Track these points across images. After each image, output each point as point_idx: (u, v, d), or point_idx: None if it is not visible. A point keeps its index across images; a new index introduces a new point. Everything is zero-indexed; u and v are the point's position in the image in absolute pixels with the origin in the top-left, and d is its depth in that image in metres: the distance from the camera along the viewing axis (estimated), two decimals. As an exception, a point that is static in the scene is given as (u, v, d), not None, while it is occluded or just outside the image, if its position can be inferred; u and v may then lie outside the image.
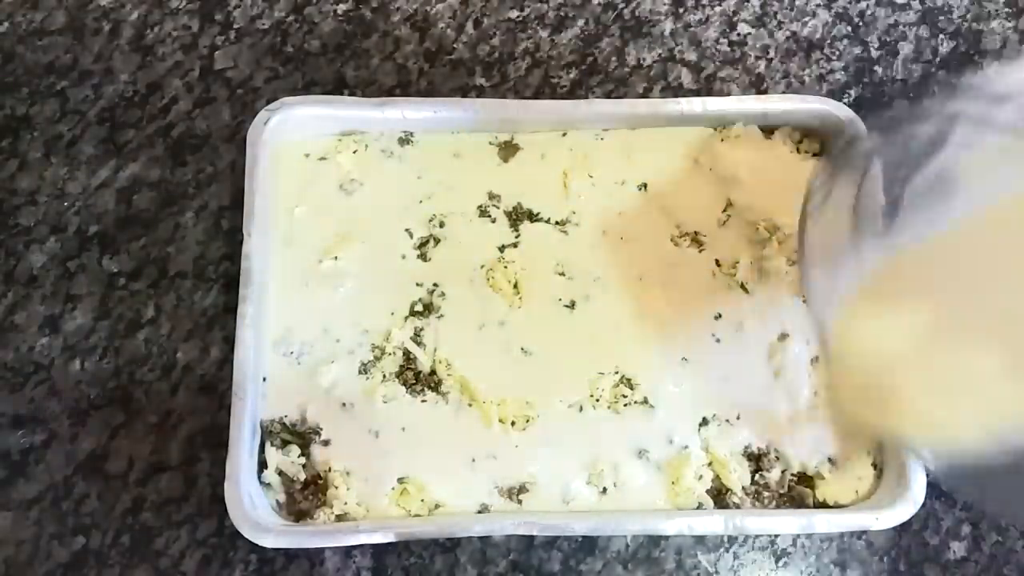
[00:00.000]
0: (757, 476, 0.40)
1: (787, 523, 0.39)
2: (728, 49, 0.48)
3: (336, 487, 0.39)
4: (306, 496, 0.39)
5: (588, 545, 0.40)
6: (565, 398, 0.40)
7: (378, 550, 0.39)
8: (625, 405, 0.40)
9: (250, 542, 0.37)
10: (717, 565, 0.40)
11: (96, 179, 0.45)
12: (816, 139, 0.44)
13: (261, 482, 0.39)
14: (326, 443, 0.40)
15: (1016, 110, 0.24)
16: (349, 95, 0.47)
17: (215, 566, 0.39)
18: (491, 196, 0.44)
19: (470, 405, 0.40)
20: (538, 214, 0.43)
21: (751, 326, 0.41)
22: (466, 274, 0.42)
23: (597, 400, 0.40)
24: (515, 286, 0.42)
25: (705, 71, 0.48)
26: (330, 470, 0.39)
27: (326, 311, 0.42)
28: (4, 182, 0.45)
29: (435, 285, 0.42)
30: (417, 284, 0.42)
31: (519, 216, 0.43)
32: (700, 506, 0.39)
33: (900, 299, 0.29)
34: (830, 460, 0.40)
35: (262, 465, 0.39)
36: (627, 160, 0.44)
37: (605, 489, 0.39)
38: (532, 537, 0.39)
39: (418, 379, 0.41)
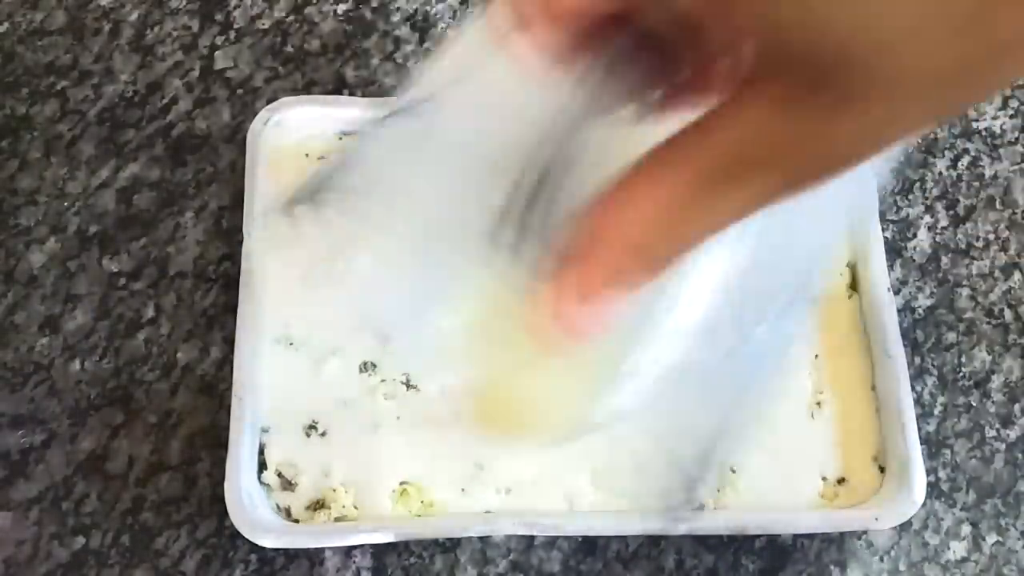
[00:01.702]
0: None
1: (787, 523, 0.39)
2: (728, 49, 0.48)
3: (335, 489, 0.39)
4: (306, 496, 0.39)
5: (588, 545, 0.40)
6: (565, 398, 0.40)
7: (378, 550, 0.39)
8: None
9: (250, 542, 0.37)
10: (717, 565, 0.40)
11: (96, 179, 0.45)
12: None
13: (261, 482, 0.39)
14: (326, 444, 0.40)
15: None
16: (349, 95, 0.47)
17: (215, 566, 0.39)
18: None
19: (472, 403, 0.40)
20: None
21: (751, 326, 0.41)
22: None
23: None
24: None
25: (705, 71, 0.48)
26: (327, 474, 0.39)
27: (326, 311, 0.41)
28: (4, 182, 0.45)
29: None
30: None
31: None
32: (701, 506, 0.39)
33: None
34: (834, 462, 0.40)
35: (262, 465, 0.39)
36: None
37: (610, 488, 0.39)
38: (532, 537, 0.39)
39: (419, 379, 0.41)
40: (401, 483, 0.39)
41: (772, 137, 0.15)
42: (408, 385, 0.41)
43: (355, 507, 0.39)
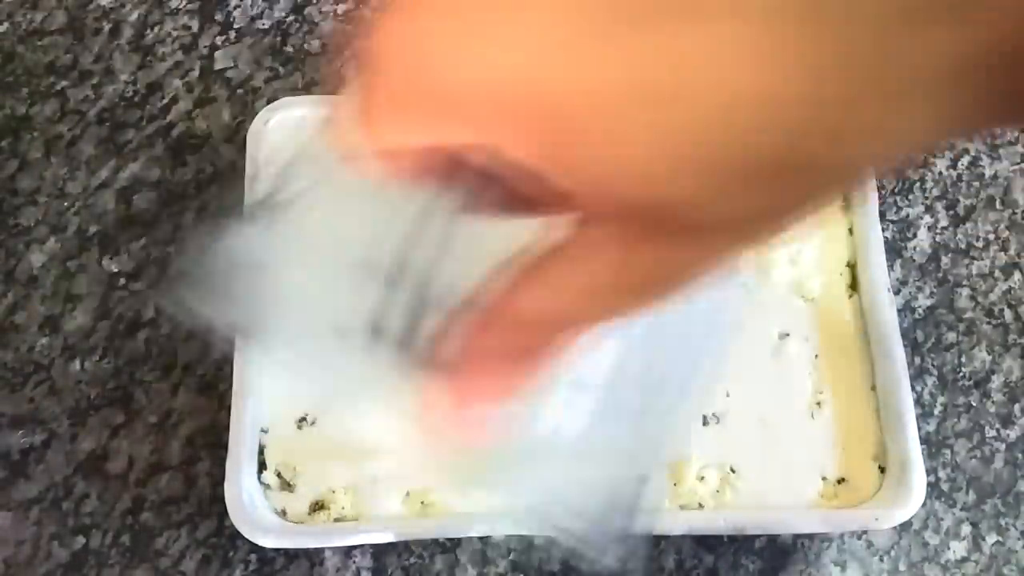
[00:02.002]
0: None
1: (787, 523, 0.39)
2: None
3: (335, 490, 0.39)
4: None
5: (588, 545, 0.40)
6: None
7: (378, 550, 0.39)
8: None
9: (250, 542, 0.37)
10: (717, 565, 0.40)
11: (96, 179, 0.45)
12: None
13: (261, 482, 0.39)
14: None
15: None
16: (349, 95, 0.47)
17: (215, 566, 0.39)
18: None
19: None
20: None
21: (751, 325, 0.41)
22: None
23: (597, 400, 0.40)
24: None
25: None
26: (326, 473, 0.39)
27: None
28: (4, 182, 0.45)
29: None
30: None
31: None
32: (701, 506, 0.39)
33: None
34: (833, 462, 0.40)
35: (262, 465, 0.39)
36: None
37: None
38: (532, 537, 0.39)
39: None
40: (401, 483, 0.39)
41: (615, 266, 0.17)
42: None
43: (355, 507, 0.39)
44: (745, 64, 0.14)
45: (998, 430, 0.42)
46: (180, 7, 0.49)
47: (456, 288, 0.19)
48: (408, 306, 0.20)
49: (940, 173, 0.46)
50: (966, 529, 0.40)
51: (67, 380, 0.41)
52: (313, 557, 0.39)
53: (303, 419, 0.40)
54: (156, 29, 0.48)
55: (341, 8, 0.49)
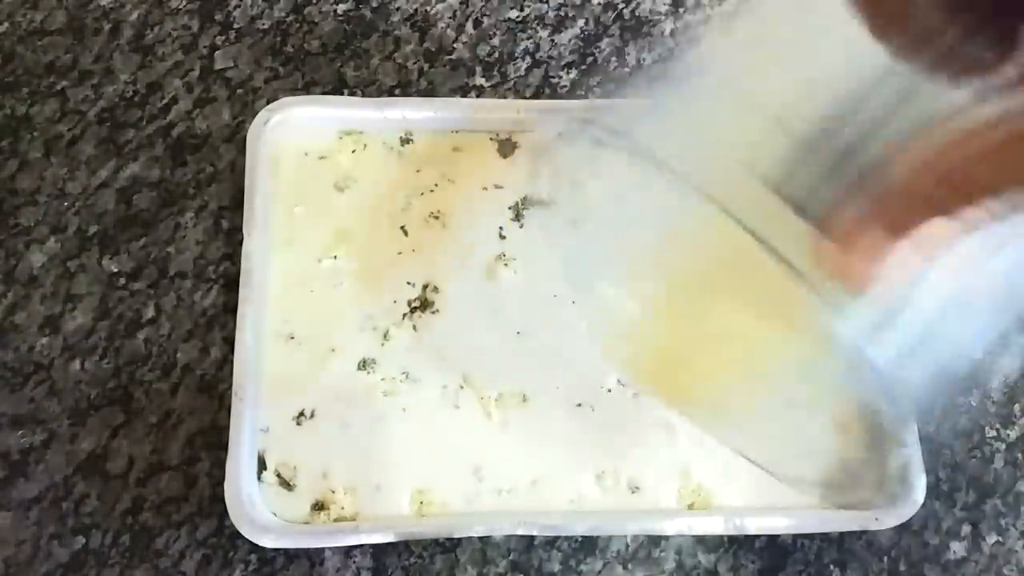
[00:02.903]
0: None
1: (787, 523, 0.39)
2: (728, 49, 0.48)
3: (335, 490, 0.39)
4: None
5: (588, 545, 0.40)
6: (569, 394, 0.40)
7: (378, 550, 0.39)
8: (634, 395, 0.40)
9: (250, 542, 0.37)
10: (717, 565, 0.40)
11: (96, 179, 0.45)
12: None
13: (261, 482, 0.39)
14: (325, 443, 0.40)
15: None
16: (349, 95, 0.47)
17: (215, 566, 0.39)
18: (494, 187, 0.44)
19: (467, 393, 0.40)
20: (540, 203, 0.44)
21: (752, 325, 0.41)
22: (465, 269, 0.42)
23: (603, 396, 0.40)
24: (514, 280, 0.42)
25: (705, 71, 0.48)
26: (326, 474, 0.39)
27: (326, 310, 0.42)
28: (4, 182, 0.45)
29: (432, 280, 0.42)
30: (409, 283, 0.42)
31: (521, 210, 0.43)
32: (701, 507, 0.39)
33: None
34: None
35: (261, 466, 0.39)
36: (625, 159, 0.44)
37: (610, 488, 0.39)
38: (532, 537, 0.39)
39: (417, 376, 0.41)
40: (402, 483, 0.39)
41: None
42: (407, 379, 0.41)
43: (355, 507, 0.39)
44: None
45: (998, 430, 0.42)
46: (180, 7, 0.49)
47: (882, 154, 0.20)
48: (824, 167, 0.20)
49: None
50: (966, 529, 0.40)
51: (67, 380, 0.41)
52: (313, 557, 0.39)
53: (301, 414, 0.40)
54: (156, 29, 0.48)
55: (341, 8, 0.49)
